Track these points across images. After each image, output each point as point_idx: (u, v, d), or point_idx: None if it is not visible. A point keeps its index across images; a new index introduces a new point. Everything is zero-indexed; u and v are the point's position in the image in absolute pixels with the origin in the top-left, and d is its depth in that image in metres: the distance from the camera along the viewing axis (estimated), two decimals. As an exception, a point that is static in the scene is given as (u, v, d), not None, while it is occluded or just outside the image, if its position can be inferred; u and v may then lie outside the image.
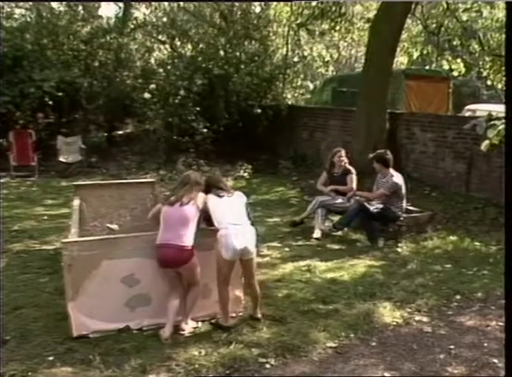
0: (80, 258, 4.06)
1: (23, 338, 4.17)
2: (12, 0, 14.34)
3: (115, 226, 4.20)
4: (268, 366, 3.79)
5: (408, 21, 12.64)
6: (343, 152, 7.67)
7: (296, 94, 15.10)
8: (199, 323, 4.35)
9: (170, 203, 4.34)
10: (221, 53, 13.36)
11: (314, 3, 14.18)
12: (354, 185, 7.43)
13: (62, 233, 6.43)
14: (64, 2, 15.03)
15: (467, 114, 14.15)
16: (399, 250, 6.69)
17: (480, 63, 12.82)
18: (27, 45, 12.73)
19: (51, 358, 3.84)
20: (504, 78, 12.10)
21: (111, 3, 17.83)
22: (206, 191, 4.59)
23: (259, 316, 4.53)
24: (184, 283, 4.35)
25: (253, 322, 4.46)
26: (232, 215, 4.39)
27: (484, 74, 13.29)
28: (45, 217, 8.21)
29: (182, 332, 4.27)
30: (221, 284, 4.38)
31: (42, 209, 8.84)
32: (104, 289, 4.16)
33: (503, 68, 12.01)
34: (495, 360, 3.89)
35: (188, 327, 4.33)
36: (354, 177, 7.49)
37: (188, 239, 4.22)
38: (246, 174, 12.01)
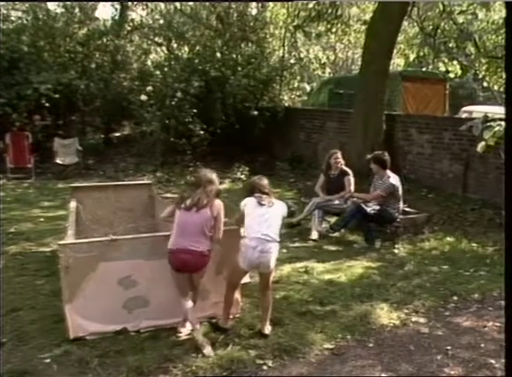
0: (77, 260, 4.06)
1: (19, 340, 4.15)
2: (12, 0, 14.31)
3: (116, 237, 4.18)
4: (265, 367, 3.78)
5: (405, 23, 12.69)
6: (339, 154, 7.68)
7: (293, 96, 15.13)
8: (198, 326, 4.22)
9: (187, 208, 4.18)
10: (218, 55, 13.37)
11: (311, 5, 14.21)
12: (352, 188, 7.43)
13: (59, 235, 6.41)
14: (60, 4, 15.00)
15: (464, 115, 14.21)
16: (396, 251, 6.70)
17: (477, 65, 12.87)
18: (24, 47, 12.71)
19: (48, 360, 3.83)
20: (500, 80, 12.16)
21: (108, 5, 17.82)
22: (250, 193, 4.49)
23: (267, 332, 4.25)
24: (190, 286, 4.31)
25: (250, 324, 4.46)
26: (264, 228, 4.21)
27: (481, 76, 13.34)
28: (42, 220, 8.20)
29: (179, 334, 4.25)
30: (229, 288, 4.37)
31: (39, 211, 8.82)
32: (101, 291, 4.15)
33: (499, 70, 12.07)
34: (492, 361, 3.90)
35: (186, 329, 4.31)
36: (351, 178, 7.50)
37: (206, 244, 4.16)
38: (243, 176, 12.00)
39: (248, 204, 4.38)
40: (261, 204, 4.35)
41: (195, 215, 4.16)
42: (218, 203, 4.31)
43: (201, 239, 4.13)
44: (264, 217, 4.28)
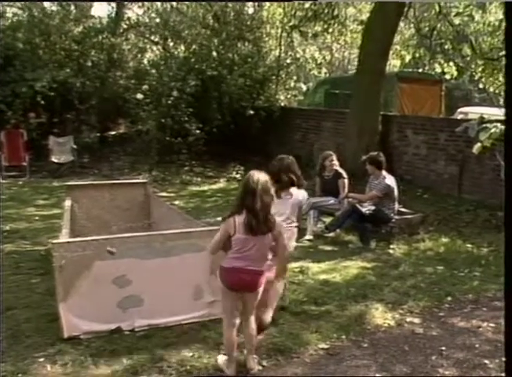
0: (71, 259, 4.04)
1: (14, 339, 4.13)
2: (13, 0, 14.25)
3: (114, 249, 4.16)
4: (260, 367, 3.77)
5: (401, 24, 12.70)
6: (334, 156, 7.66)
7: (289, 96, 15.14)
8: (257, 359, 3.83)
9: (252, 232, 3.61)
10: (214, 54, 13.37)
11: (307, 5, 14.21)
12: (346, 190, 7.43)
13: (54, 234, 6.39)
14: (56, 2, 14.96)
15: (459, 117, 14.22)
16: (391, 251, 6.70)
17: (473, 66, 12.90)
18: (19, 44, 12.70)
19: (42, 359, 3.81)
20: (496, 82, 12.19)
21: (104, 3, 17.77)
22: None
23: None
24: (243, 310, 3.82)
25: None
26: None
27: (476, 77, 13.37)
28: (37, 218, 8.17)
29: (252, 372, 3.72)
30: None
31: (34, 209, 8.80)
32: (95, 290, 4.13)
33: (495, 72, 12.10)
34: (487, 361, 3.90)
35: (257, 362, 3.80)
36: (346, 181, 7.49)
37: (266, 264, 3.77)
38: (238, 176, 12.01)
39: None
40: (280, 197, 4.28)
41: (258, 238, 3.66)
42: (279, 224, 3.82)
43: (262, 259, 3.74)
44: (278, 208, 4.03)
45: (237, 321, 3.81)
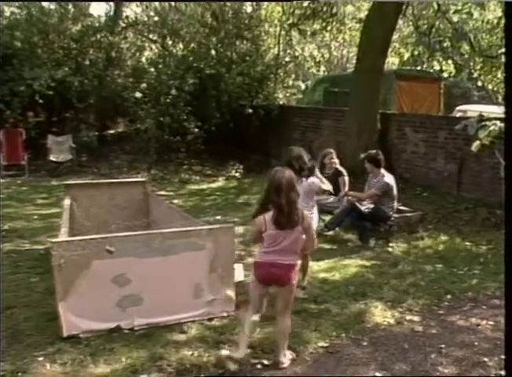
0: (70, 258, 4.03)
1: (13, 338, 4.13)
2: (13, 0, 14.22)
3: (113, 248, 4.15)
4: (259, 366, 3.77)
5: (400, 22, 12.70)
6: (334, 154, 7.67)
7: (288, 94, 15.13)
8: (288, 353, 3.92)
9: (281, 227, 3.73)
10: (213, 52, 13.36)
11: (306, 3, 14.19)
12: (346, 188, 7.43)
13: (52, 233, 6.38)
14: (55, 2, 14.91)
15: (458, 115, 14.23)
16: (390, 249, 6.71)
17: (471, 64, 12.89)
18: (17, 43, 12.66)
19: (41, 358, 3.80)
20: (495, 80, 12.18)
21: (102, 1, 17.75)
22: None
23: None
24: (277, 306, 3.92)
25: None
26: None
27: (475, 75, 13.37)
28: (36, 217, 8.16)
29: (283, 366, 3.80)
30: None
31: (33, 208, 8.79)
32: (94, 289, 4.13)
33: (494, 69, 12.10)
34: (486, 359, 3.90)
35: (287, 357, 3.89)
36: (346, 179, 7.50)
37: (297, 257, 3.86)
38: (237, 174, 12.01)
39: None
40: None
41: (290, 232, 3.77)
42: (307, 216, 3.96)
43: (295, 252, 3.83)
44: None
45: (257, 318, 3.91)
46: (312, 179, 5.14)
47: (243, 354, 3.77)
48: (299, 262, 3.91)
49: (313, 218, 4.94)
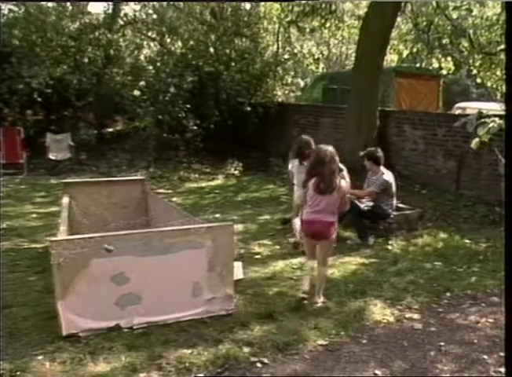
0: (69, 257, 4.02)
1: (12, 337, 4.13)
2: (13, 0, 14.18)
3: (111, 247, 4.15)
4: (259, 365, 3.77)
5: (398, 19, 12.65)
6: None
7: (286, 92, 15.09)
8: (322, 297, 4.87)
9: (321, 192, 4.76)
10: (211, 50, 13.33)
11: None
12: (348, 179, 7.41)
13: (51, 231, 6.38)
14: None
15: (457, 112, 14.21)
16: (389, 247, 6.70)
17: (470, 61, 12.86)
18: (16, 41, 12.63)
19: (40, 357, 3.80)
20: (494, 77, 12.16)
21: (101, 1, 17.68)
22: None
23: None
24: (318, 256, 4.91)
25: (244, 320, 4.44)
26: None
27: (474, 72, 13.34)
28: (34, 216, 8.16)
29: (317, 305, 4.75)
30: None
31: (31, 207, 8.78)
32: (93, 287, 4.13)
33: (493, 66, 12.06)
34: (485, 357, 3.91)
35: (321, 300, 4.82)
36: (345, 174, 7.46)
37: (334, 216, 4.81)
38: (236, 172, 12.00)
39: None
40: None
41: (328, 197, 4.77)
42: (344, 184, 4.96)
43: (332, 212, 4.81)
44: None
45: (315, 264, 4.95)
46: None
47: (307, 289, 4.82)
48: (336, 220, 4.85)
49: None
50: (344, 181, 5.10)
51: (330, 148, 4.87)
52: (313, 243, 4.93)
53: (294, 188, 6.57)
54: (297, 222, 6.29)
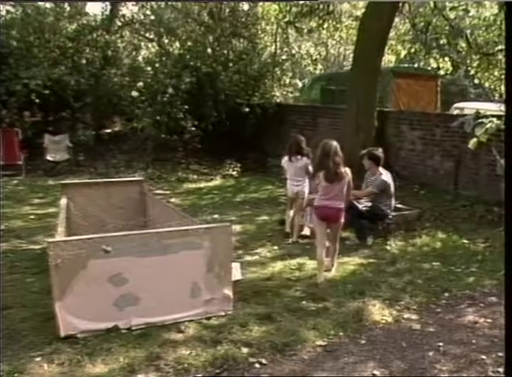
0: (67, 258, 4.02)
1: (10, 338, 4.11)
2: (13, 0, 14.16)
3: (109, 248, 4.14)
4: (257, 365, 3.77)
5: (396, 19, 12.65)
6: None
7: (284, 92, 15.10)
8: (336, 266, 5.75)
9: (330, 181, 5.50)
10: (209, 50, 13.32)
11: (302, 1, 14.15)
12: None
13: (49, 233, 6.37)
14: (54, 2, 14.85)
15: (455, 112, 14.23)
16: (388, 248, 6.70)
17: (468, 61, 12.88)
18: (13, 42, 12.60)
19: (38, 359, 3.80)
20: (491, 77, 12.17)
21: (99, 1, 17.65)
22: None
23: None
24: (329, 237, 5.71)
25: (243, 321, 4.44)
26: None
27: (472, 72, 13.36)
28: (32, 217, 8.14)
29: (330, 272, 5.61)
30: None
31: (29, 208, 8.77)
32: (91, 288, 4.12)
33: (491, 67, 12.08)
34: (484, 357, 3.91)
35: (334, 268, 5.69)
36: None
37: (343, 202, 5.54)
38: (234, 173, 12.00)
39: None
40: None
41: (337, 185, 5.51)
42: (348, 172, 5.64)
43: (341, 199, 5.55)
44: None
45: (326, 244, 5.68)
46: (305, 159, 6.97)
47: (323, 278, 5.42)
48: (344, 206, 5.60)
49: (306, 189, 7.00)
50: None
51: (334, 143, 5.59)
52: (324, 226, 5.60)
53: (287, 182, 7.25)
54: (290, 215, 7.17)
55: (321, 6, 14.05)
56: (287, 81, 15.11)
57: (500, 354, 3.86)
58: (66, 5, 14.62)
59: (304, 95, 16.97)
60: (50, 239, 4.24)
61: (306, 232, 7.16)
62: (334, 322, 4.47)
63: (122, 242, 4.26)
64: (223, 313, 4.54)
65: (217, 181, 11.57)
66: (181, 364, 3.75)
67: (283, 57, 15.42)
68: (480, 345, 4.12)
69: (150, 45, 16.92)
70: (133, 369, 3.68)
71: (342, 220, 5.66)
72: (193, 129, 12.16)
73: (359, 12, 14.31)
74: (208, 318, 4.46)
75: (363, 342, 4.17)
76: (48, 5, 14.74)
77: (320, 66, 19.97)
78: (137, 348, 3.97)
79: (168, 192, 10.30)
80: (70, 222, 5.95)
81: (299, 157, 7.00)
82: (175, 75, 12.31)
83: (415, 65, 16.45)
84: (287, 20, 15.13)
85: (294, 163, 7.03)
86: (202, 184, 11.23)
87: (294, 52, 16.66)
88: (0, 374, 3.61)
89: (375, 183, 6.99)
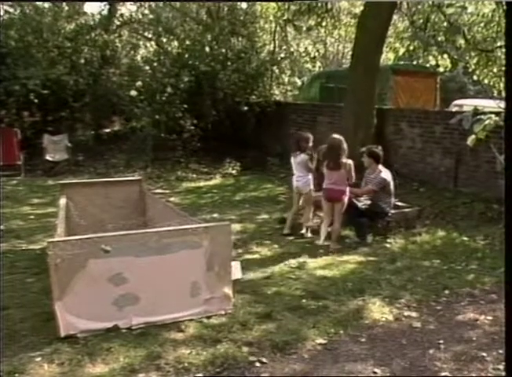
0: (66, 258, 4.01)
1: (10, 338, 4.11)
2: (12, 0, 14.13)
3: (109, 248, 4.14)
4: (258, 364, 3.77)
5: (395, 17, 12.64)
6: None
7: (283, 90, 15.09)
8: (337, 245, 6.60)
9: (331, 169, 6.63)
10: (208, 49, 13.30)
11: (301, -1, 14.14)
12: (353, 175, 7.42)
13: (49, 233, 6.37)
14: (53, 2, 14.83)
15: (454, 109, 14.24)
16: (388, 245, 6.70)
17: (467, 58, 12.86)
18: (11, 42, 12.59)
19: (38, 359, 3.79)
20: (490, 74, 12.14)
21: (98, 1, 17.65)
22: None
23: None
24: (333, 215, 6.67)
25: (243, 320, 4.44)
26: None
27: (471, 69, 13.34)
28: (32, 217, 8.14)
29: (330, 249, 6.45)
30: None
31: (29, 208, 8.76)
32: (91, 288, 4.11)
33: (489, 63, 12.05)
34: (484, 354, 3.91)
35: (336, 246, 6.53)
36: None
37: (345, 186, 6.61)
38: (234, 171, 11.99)
39: None
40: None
41: (338, 172, 6.58)
42: (350, 163, 6.61)
43: (342, 183, 6.60)
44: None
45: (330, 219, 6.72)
46: (303, 155, 7.24)
47: (322, 242, 6.70)
48: (347, 188, 6.65)
49: (310, 184, 7.26)
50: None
51: (339, 138, 6.72)
52: (330, 205, 6.69)
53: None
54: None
55: (320, 4, 14.03)
56: (286, 79, 15.09)
57: (501, 351, 3.86)
58: (64, 4, 14.60)
59: (303, 93, 16.94)
60: (50, 239, 4.24)
61: (303, 230, 7.17)
62: (334, 320, 4.46)
63: (121, 241, 4.25)
64: (223, 312, 4.53)
65: (217, 180, 11.57)
66: (181, 363, 3.75)
67: (282, 55, 15.40)
68: (481, 342, 4.12)
69: (148, 44, 16.91)
70: (134, 369, 3.68)
71: (346, 200, 6.66)
72: (192, 128, 12.15)
73: (357, 10, 14.30)
74: (208, 317, 4.46)
75: (363, 340, 4.17)
76: (46, 4, 14.72)
77: (318, 64, 19.92)
78: (137, 347, 3.96)
79: (167, 191, 10.29)
80: (69, 222, 5.95)
81: (298, 153, 7.23)
82: (174, 74, 12.30)
83: (414, 62, 16.42)
84: (285, 18, 15.12)
85: (294, 159, 7.33)
86: (202, 183, 11.23)
87: (292, 50, 16.63)
88: (0, 374, 3.60)
89: (375, 181, 6.98)
